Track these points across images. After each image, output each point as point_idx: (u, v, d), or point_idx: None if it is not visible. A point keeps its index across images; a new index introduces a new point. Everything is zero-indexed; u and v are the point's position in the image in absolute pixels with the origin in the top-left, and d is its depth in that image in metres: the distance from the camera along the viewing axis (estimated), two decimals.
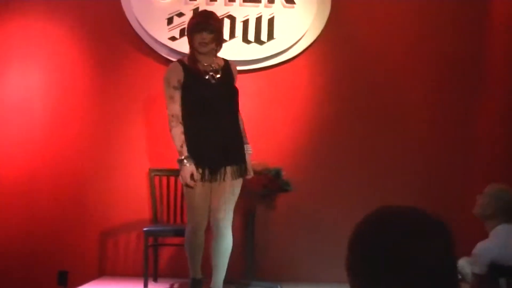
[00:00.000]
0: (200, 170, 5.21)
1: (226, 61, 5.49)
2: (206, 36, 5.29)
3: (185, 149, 5.18)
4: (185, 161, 5.17)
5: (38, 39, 6.78)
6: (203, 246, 5.43)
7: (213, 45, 5.34)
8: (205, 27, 5.29)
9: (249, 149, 5.45)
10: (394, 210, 1.64)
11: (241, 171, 5.34)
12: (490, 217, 4.67)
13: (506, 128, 6.63)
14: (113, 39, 6.81)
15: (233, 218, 5.33)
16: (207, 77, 5.36)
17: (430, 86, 6.82)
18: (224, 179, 5.26)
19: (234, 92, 5.40)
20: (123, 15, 6.74)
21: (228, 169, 5.28)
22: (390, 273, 1.55)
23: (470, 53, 6.84)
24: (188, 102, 5.27)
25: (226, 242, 5.30)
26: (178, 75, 5.30)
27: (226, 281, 5.50)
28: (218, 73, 5.39)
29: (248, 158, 5.41)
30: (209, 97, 5.29)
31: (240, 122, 5.43)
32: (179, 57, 6.38)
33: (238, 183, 5.34)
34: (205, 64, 5.37)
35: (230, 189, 5.30)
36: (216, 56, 5.43)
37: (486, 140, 6.74)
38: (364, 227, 1.64)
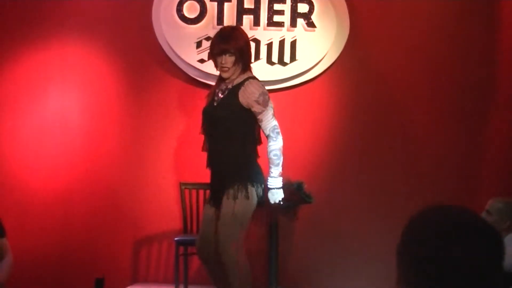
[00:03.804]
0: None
1: (243, 81, 4.87)
2: (227, 60, 4.82)
3: None
4: None
5: (74, 63, 6.78)
6: (213, 268, 4.97)
7: (237, 66, 4.85)
8: (225, 50, 4.82)
9: (273, 182, 4.84)
10: (451, 210, 1.60)
11: (237, 193, 4.74)
12: (502, 231, 4.60)
13: None
14: (145, 61, 6.80)
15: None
16: (215, 97, 4.93)
17: (445, 104, 6.76)
18: (215, 204, 4.86)
19: (228, 116, 4.79)
20: (155, 39, 6.71)
21: (224, 192, 4.79)
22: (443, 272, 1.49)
23: (483, 72, 6.77)
24: None
25: (230, 269, 4.76)
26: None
27: None
28: (224, 94, 4.88)
29: (274, 192, 4.85)
30: (205, 119, 4.94)
31: (242, 150, 4.81)
32: (207, 78, 6.48)
33: (232, 205, 4.74)
34: (224, 83, 4.94)
35: (224, 212, 4.77)
36: (241, 74, 4.90)
37: (495, 147, 6.71)
38: (416, 225, 1.59)
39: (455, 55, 6.77)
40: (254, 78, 4.93)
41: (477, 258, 1.49)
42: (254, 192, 4.79)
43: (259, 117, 4.81)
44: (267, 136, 4.84)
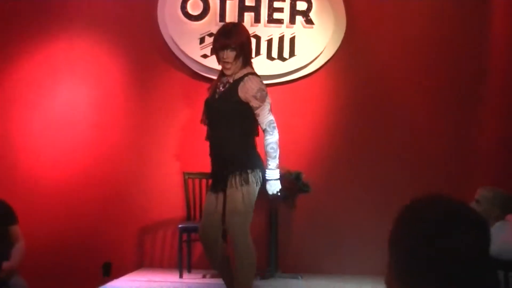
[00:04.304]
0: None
1: (243, 76, 4.90)
2: (228, 55, 4.85)
3: None
4: None
5: (82, 58, 6.89)
6: (215, 254, 4.99)
7: (238, 61, 4.89)
8: (227, 45, 4.86)
9: (270, 174, 4.89)
10: (439, 200, 1.58)
11: (240, 180, 4.80)
12: (490, 220, 4.64)
13: (504, 133, 6.73)
14: (150, 56, 6.91)
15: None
16: (216, 90, 4.98)
17: (438, 98, 6.87)
18: (222, 191, 4.90)
19: (228, 109, 4.86)
20: (160, 35, 6.84)
21: (226, 180, 4.83)
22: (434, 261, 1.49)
23: (474, 67, 6.88)
24: None
25: (238, 255, 4.83)
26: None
27: None
28: (224, 87, 4.93)
29: (272, 183, 4.90)
30: (208, 111, 5.00)
31: (240, 140, 4.88)
32: (210, 72, 6.52)
33: (236, 194, 4.80)
34: (225, 77, 4.97)
35: (230, 201, 4.83)
36: (242, 69, 4.93)
37: (486, 140, 6.81)
38: (406, 216, 1.58)
39: (448, 50, 6.88)
40: (254, 74, 4.96)
41: (465, 246, 1.48)
42: (253, 176, 4.82)
43: (256, 111, 4.85)
44: (264, 130, 4.88)
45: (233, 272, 5.01)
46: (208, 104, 5.02)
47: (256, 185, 4.85)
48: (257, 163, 4.90)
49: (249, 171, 4.81)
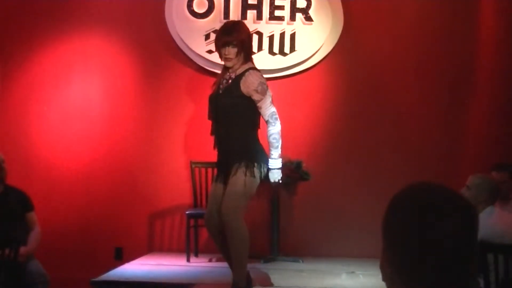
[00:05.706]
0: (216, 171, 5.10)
1: (245, 71, 4.90)
2: (230, 51, 4.85)
3: None
4: None
5: (95, 54, 6.97)
6: (219, 239, 4.94)
7: (240, 57, 4.88)
8: (229, 42, 4.86)
9: (273, 163, 4.89)
10: (429, 188, 1.55)
11: (243, 170, 4.77)
12: (479, 205, 4.64)
13: (492, 123, 6.77)
14: (159, 52, 6.97)
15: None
16: (220, 86, 4.97)
17: (429, 90, 6.91)
18: (222, 181, 4.89)
19: (231, 103, 4.85)
20: (167, 32, 6.90)
21: (230, 170, 4.81)
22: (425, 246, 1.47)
23: (463, 61, 6.92)
24: None
25: (230, 232, 4.77)
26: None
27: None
28: (227, 83, 4.92)
29: (274, 171, 4.90)
30: (211, 105, 5.01)
31: (245, 132, 4.87)
32: (215, 67, 6.52)
33: (238, 179, 4.77)
34: (228, 73, 4.96)
35: (231, 184, 4.79)
36: (243, 65, 4.92)
37: (475, 130, 6.84)
38: (396, 204, 1.55)
39: (439, 44, 6.94)
40: (254, 68, 4.96)
41: (452, 231, 1.46)
42: (258, 170, 4.82)
43: (258, 104, 4.85)
44: (267, 122, 4.89)
45: None
46: (212, 99, 5.02)
47: (259, 179, 4.88)
48: (262, 157, 4.91)
49: (254, 164, 4.82)
